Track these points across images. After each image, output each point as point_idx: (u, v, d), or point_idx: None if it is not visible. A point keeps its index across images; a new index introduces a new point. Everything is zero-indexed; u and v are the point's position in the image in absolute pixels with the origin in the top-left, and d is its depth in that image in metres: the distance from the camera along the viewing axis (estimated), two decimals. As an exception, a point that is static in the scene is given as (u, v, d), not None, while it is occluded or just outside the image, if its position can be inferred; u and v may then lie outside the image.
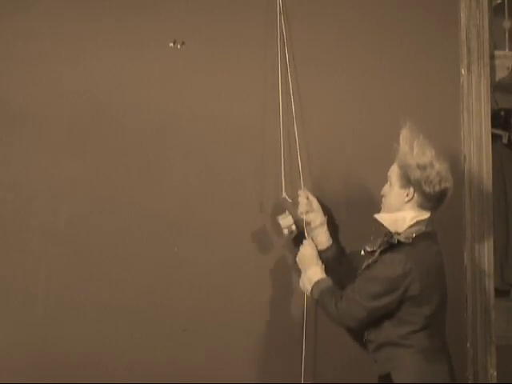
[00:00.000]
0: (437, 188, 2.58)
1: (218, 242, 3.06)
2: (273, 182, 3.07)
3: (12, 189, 2.97)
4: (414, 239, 2.58)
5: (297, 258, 2.89)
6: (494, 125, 3.46)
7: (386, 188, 2.70)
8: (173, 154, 3.05)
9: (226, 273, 3.05)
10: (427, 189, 2.58)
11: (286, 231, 2.96)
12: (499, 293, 3.72)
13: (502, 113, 4.11)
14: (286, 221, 2.95)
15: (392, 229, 2.65)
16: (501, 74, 3.46)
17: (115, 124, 3.02)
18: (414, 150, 2.59)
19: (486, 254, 3.24)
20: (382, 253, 2.61)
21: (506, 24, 3.72)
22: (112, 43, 3.02)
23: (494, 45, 3.46)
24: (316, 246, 2.90)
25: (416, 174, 2.57)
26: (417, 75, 3.17)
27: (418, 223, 2.62)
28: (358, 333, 2.79)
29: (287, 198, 3.02)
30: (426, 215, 2.63)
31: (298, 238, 2.96)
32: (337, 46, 3.12)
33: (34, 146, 2.98)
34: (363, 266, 2.69)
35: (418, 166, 2.57)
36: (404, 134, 2.62)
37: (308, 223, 2.94)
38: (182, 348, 3.03)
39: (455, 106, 3.22)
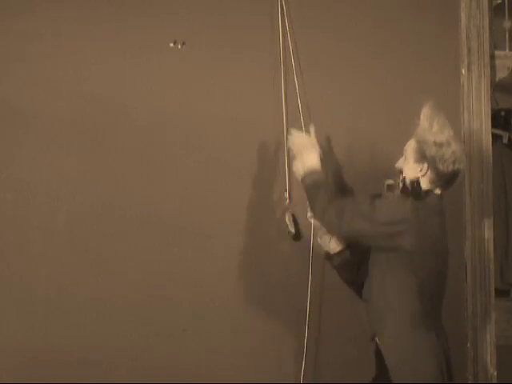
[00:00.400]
0: (450, 167, 2.58)
1: (219, 242, 3.06)
2: (274, 182, 3.07)
3: (12, 189, 2.97)
4: (426, 199, 2.58)
5: (289, 143, 2.78)
6: (494, 125, 3.46)
7: (402, 161, 2.69)
8: (173, 153, 3.05)
9: (226, 273, 3.05)
10: (441, 167, 2.57)
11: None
12: (499, 293, 3.72)
13: (502, 113, 4.11)
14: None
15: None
16: (501, 74, 3.47)
17: (115, 124, 3.02)
18: (433, 127, 2.59)
19: (485, 254, 3.24)
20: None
21: (506, 24, 3.72)
22: (112, 43, 3.02)
23: (494, 45, 3.46)
24: (329, 252, 2.81)
25: (432, 151, 2.57)
26: (417, 75, 3.17)
27: (430, 192, 2.62)
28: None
29: (288, 199, 3.01)
30: (437, 191, 2.63)
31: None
32: (337, 46, 3.12)
33: (34, 146, 2.98)
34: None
35: (435, 143, 2.57)
36: (425, 111, 2.62)
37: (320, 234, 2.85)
38: (182, 348, 3.03)
39: (455, 105, 3.22)
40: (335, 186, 2.79)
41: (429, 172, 2.60)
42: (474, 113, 3.22)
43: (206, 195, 3.05)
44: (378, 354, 2.62)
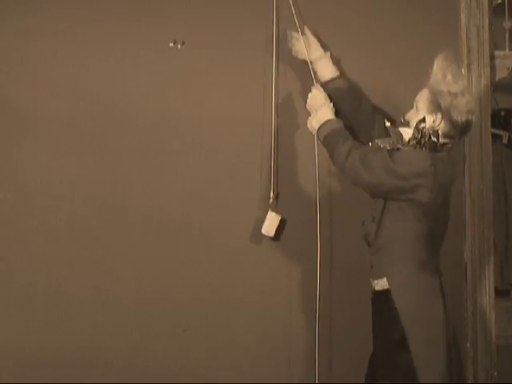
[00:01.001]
0: (464, 118, 2.58)
1: (219, 241, 3.06)
2: (275, 180, 3.07)
3: (12, 189, 2.97)
4: (442, 151, 2.58)
5: (307, 105, 2.85)
6: (493, 125, 3.46)
7: (412, 112, 2.69)
8: (173, 153, 3.05)
9: (226, 273, 3.05)
10: (455, 117, 2.57)
11: (264, 230, 2.99)
12: (499, 293, 3.72)
13: (502, 113, 4.11)
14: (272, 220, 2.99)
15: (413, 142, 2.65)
16: (501, 74, 3.47)
17: (115, 124, 3.02)
18: (446, 77, 2.58)
19: (485, 254, 3.24)
20: (410, 141, 2.61)
21: (506, 24, 3.73)
22: (112, 43, 3.02)
23: (494, 45, 3.46)
24: (323, 81, 2.89)
25: (446, 101, 2.57)
26: (417, 75, 3.15)
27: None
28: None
29: (271, 198, 3.02)
30: (447, 141, 2.64)
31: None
32: (337, 46, 3.11)
33: (34, 146, 2.98)
34: (388, 145, 2.65)
35: (450, 93, 2.56)
36: (439, 61, 2.62)
37: (310, 61, 2.93)
38: (182, 348, 3.03)
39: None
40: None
41: (443, 122, 2.60)
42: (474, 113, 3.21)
43: (206, 195, 3.05)
44: (375, 302, 2.66)
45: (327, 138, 2.69)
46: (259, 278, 3.07)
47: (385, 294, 2.62)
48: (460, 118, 2.58)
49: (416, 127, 2.64)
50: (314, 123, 2.76)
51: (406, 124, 2.71)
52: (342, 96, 2.89)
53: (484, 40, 3.24)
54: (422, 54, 3.16)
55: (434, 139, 2.59)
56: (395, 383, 2.56)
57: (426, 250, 2.61)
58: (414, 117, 2.68)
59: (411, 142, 2.63)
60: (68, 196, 2.99)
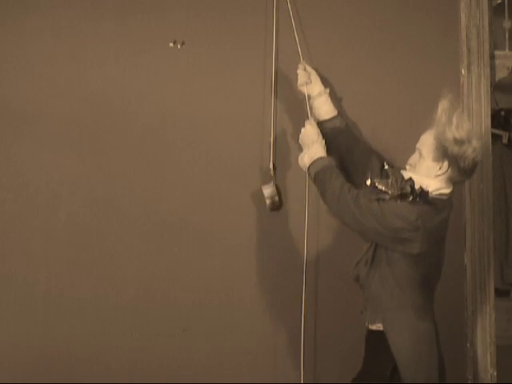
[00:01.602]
0: (471, 163, 2.52)
1: (218, 241, 3.06)
2: (275, 181, 3.07)
3: (12, 189, 2.97)
4: (435, 202, 2.53)
5: (299, 140, 2.80)
6: (493, 125, 3.46)
7: (416, 158, 2.60)
8: (173, 153, 3.05)
9: (226, 272, 3.05)
10: (462, 164, 2.51)
11: (268, 201, 2.99)
12: (499, 293, 3.72)
13: (502, 113, 4.12)
14: (269, 191, 2.99)
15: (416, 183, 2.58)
16: (501, 74, 3.46)
17: (115, 124, 3.02)
18: (452, 123, 2.50)
19: (486, 254, 3.24)
20: (400, 197, 2.53)
21: (506, 24, 3.72)
22: (112, 43, 3.02)
23: (494, 45, 3.46)
24: (319, 119, 2.86)
25: (453, 149, 2.49)
26: (417, 75, 3.17)
27: (440, 195, 2.57)
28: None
29: (272, 170, 3.02)
30: (449, 189, 2.58)
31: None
32: (337, 46, 3.12)
33: (34, 146, 2.98)
34: (375, 195, 2.57)
35: (456, 141, 2.48)
36: (443, 105, 2.54)
37: (308, 96, 2.90)
38: (182, 348, 3.03)
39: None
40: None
41: (449, 170, 2.54)
42: (474, 113, 3.21)
43: (207, 195, 3.05)
44: (370, 340, 2.65)
45: (318, 175, 2.64)
46: (259, 278, 3.07)
47: (380, 333, 2.60)
48: (467, 164, 2.51)
49: (406, 185, 2.57)
50: (305, 160, 2.70)
51: (409, 168, 2.63)
52: (339, 136, 2.84)
53: (484, 40, 3.24)
54: (422, 53, 3.17)
55: (423, 193, 2.54)
56: None
57: (421, 295, 2.58)
58: (418, 163, 2.59)
59: (401, 190, 2.55)
60: (68, 196, 2.99)
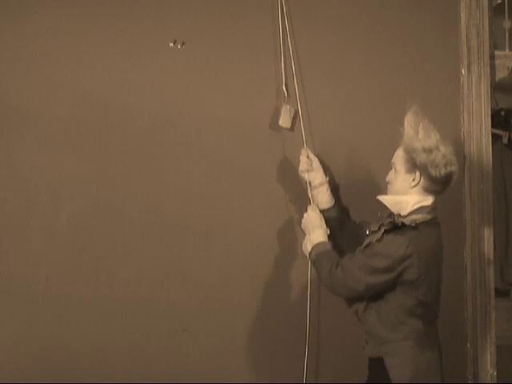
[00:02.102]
0: (443, 171, 2.56)
1: (218, 241, 3.06)
2: (274, 182, 3.07)
3: (12, 189, 2.97)
4: (418, 224, 2.56)
5: (302, 224, 2.87)
6: (493, 125, 3.46)
7: (391, 174, 2.67)
8: (173, 153, 3.05)
9: (226, 272, 3.05)
10: (433, 172, 2.55)
11: (281, 121, 3.02)
12: (499, 293, 3.72)
13: (502, 113, 4.12)
14: (289, 113, 3.02)
15: (395, 210, 2.63)
16: (501, 74, 3.47)
17: (115, 124, 3.02)
18: (419, 134, 2.57)
19: (486, 253, 3.24)
20: (385, 233, 2.57)
21: (506, 24, 3.73)
22: (112, 43, 3.02)
23: (494, 45, 3.46)
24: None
25: (422, 158, 2.55)
26: (417, 75, 3.17)
27: (421, 208, 2.60)
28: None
29: (285, 93, 3.04)
30: (430, 200, 2.61)
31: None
32: (337, 46, 3.13)
33: (35, 146, 2.98)
34: (364, 243, 2.64)
35: (424, 150, 2.55)
36: (409, 118, 2.61)
37: (309, 183, 2.94)
38: (182, 348, 3.03)
39: (455, 106, 3.22)
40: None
41: (422, 179, 2.58)
42: (474, 113, 3.22)
43: (206, 195, 3.05)
44: (373, 369, 2.66)
45: (315, 262, 2.71)
46: (259, 278, 3.07)
47: (379, 360, 2.62)
48: (438, 172, 2.55)
49: (386, 218, 2.63)
50: (308, 245, 2.77)
51: (388, 188, 2.70)
52: (336, 223, 2.91)
53: (484, 40, 3.24)
54: (422, 53, 3.17)
55: (407, 223, 2.55)
56: None
57: (421, 323, 2.59)
58: (394, 178, 2.65)
59: (385, 227, 2.59)
60: (68, 196, 2.99)
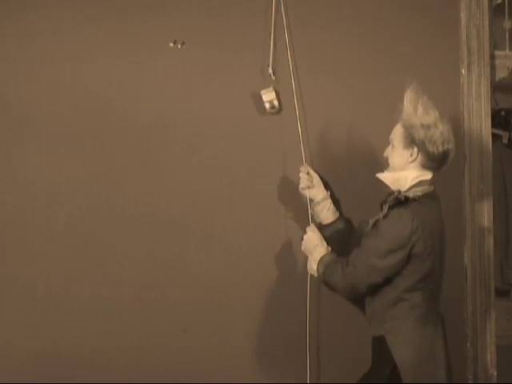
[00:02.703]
0: (440, 148, 2.59)
1: (218, 241, 3.06)
2: (274, 181, 3.07)
3: (12, 189, 2.97)
4: (420, 197, 2.58)
5: (302, 247, 2.85)
6: (493, 125, 3.46)
7: (389, 150, 2.70)
8: (173, 153, 3.05)
9: (226, 272, 3.05)
10: (431, 148, 2.58)
11: (267, 105, 3.01)
12: (499, 293, 3.72)
13: (502, 113, 4.12)
14: (268, 95, 3.01)
15: (394, 187, 2.64)
16: (501, 74, 3.47)
17: (115, 124, 3.02)
18: (418, 110, 2.61)
19: (486, 253, 3.24)
20: (389, 209, 2.58)
21: (506, 24, 3.73)
22: (112, 43, 3.02)
23: (494, 45, 3.46)
24: (321, 223, 2.92)
25: (420, 134, 2.58)
26: (417, 75, 3.15)
27: (420, 183, 2.62)
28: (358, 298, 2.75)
29: (272, 75, 3.04)
30: (428, 175, 2.63)
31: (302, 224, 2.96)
32: (337, 46, 3.12)
33: (34, 146, 2.98)
34: (370, 224, 2.65)
35: (422, 126, 2.58)
36: (408, 95, 2.64)
37: (311, 199, 2.95)
38: (182, 348, 3.03)
39: (455, 105, 3.22)
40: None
41: (419, 155, 2.61)
42: (474, 113, 3.22)
43: (206, 195, 3.05)
44: (376, 348, 2.66)
45: (325, 273, 2.68)
46: (259, 278, 3.07)
47: (380, 338, 2.63)
48: (436, 149, 2.58)
49: (395, 197, 2.62)
50: (312, 265, 2.76)
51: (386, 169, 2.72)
52: (341, 236, 2.92)
53: (484, 40, 3.24)
54: (422, 53, 3.17)
55: (410, 196, 2.58)
56: None
57: (423, 300, 2.60)
58: (391, 153, 2.68)
59: (388, 203, 2.60)
60: (68, 196, 2.99)
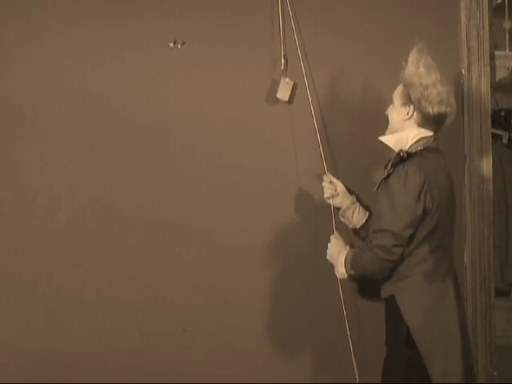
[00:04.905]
0: (436, 109, 2.62)
1: (218, 241, 3.06)
2: (274, 180, 3.08)
3: (12, 189, 2.97)
4: (422, 150, 2.61)
5: (327, 255, 2.86)
6: (493, 125, 3.46)
7: (390, 107, 2.75)
8: (173, 153, 3.05)
9: (226, 272, 3.05)
10: (426, 108, 2.62)
11: (279, 94, 3.03)
12: (499, 293, 3.72)
13: (502, 113, 4.12)
14: (287, 85, 3.03)
15: (397, 148, 2.67)
16: (501, 74, 3.47)
17: (115, 124, 3.02)
18: (419, 70, 2.65)
19: (486, 254, 3.24)
20: (393, 166, 2.61)
21: (506, 24, 3.73)
22: (112, 43, 3.02)
23: (494, 45, 3.46)
24: (355, 227, 2.94)
25: (417, 92, 2.62)
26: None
27: (421, 139, 2.65)
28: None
29: (283, 66, 3.04)
30: (428, 133, 2.66)
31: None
32: (338, 46, 3.12)
33: (35, 146, 2.98)
34: (376, 185, 2.67)
35: (421, 85, 2.62)
36: (412, 55, 2.68)
37: (338, 208, 2.96)
38: (182, 348, 3.03)
39: (455, 105, 3.21)
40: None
41: (415, 114, 2.65)
42: (474, 113, 3.22)
43: (206, 195, 3.05)
44: (388, 310, 2.68)
45: (354, 266, 2.68)
46: (259, 279, 3.07)
47: (391, 298, 2.64)
48: (431, 109, 2.62)
49: (398, 154, 2.65)
50: (340, 269, 2.77)
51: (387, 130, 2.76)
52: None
53: (484, 40, 3.24)
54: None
55: (412, 151, 2.61)
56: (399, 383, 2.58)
57: (430, 254, 2.59)
58: (390, 110, 2.74)
59: (393, 161, 2.64)
60: (68, 196, 2.99)
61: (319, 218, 3.04)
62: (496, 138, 3.96)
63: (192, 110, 3.05)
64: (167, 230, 3.03)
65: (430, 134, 2.66)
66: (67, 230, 2.99)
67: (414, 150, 2.61)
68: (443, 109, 2.63)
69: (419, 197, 2.54)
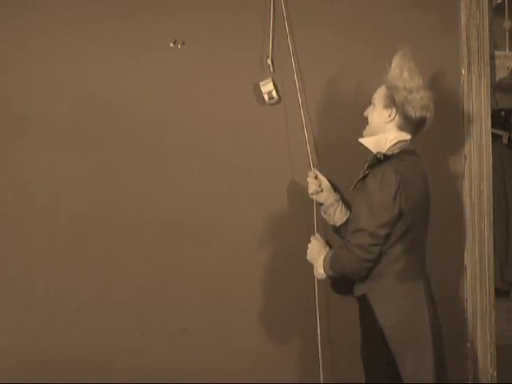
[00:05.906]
0: (418, 113, 2.66)
1: (218, 241, 3.06)
2: (273, 180, 3.07)
3: (12, 189, 2.97)
4: (399, 153, 2.65)
5: (307, 256, 2.90)
6: (494, 125, 3.46)
7: (370, 109, 2.77)
8: (173, 153, 3.05)
9: (226, 273, 3.06)
10: (409, 112, 2.65)
11: (266, 97, 3.02)
12: (499, 293, 3.72)
13: (502, 113, 4.12)
14: (267, 87, 3.02)
15: (375, 150, 2.70)
16: (501, 74, 3.47)
17: (116, 124, 3.02)
18: (403, 74, 2.69)
19: (486, 253, 3.24)
20: (369, 168, 2.64)
21: (506, 24, 3.73)
22: (112, 43, 3.02)
23: (494, 45, 3.46)
24: (335, 224, 2.95)
25: (401, 96, 2.66)
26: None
27: (399, 142, 2.68)
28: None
29: (271, 66, 3.05)
30: (407, 136, 2.70)
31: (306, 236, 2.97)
32: (337, 46, 3.12)
33: (35, 146, 2.98)
34: (352, 186, 2.70)
35: (405, 89, 2.66)
36: (396, 59, 2.72)
37: (321, 204, 2.97)
38: (182, 348, 3.03)
39: (455, 106, 3.22)
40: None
41: (397, 117, 2.68)
42: (474, 113, 3.22)
43: (206, 195, 3.05)
44: (362, 308, 2.70)
45: (332, 264, 2.71)
46: (259, 279, 3.07)
47: (363, 297, 2.68)
48: (414, 113, 2.65)
49: (374, 155, 2.67)
50: (319, 270, 2.79)
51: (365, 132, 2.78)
52: None
53: (484, 40, 3.24)
54: (422, 53, 3.16)
55: (388, 154, 2.64)
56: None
57: (402, 254, 2.62)
58: (371, 112, 2.75)
59: (369, 163, 2.66)
60: (68, 196, 2.99)
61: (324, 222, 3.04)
62: (496, 137, 3.96)
63: (192, 109, 3.05)
64: (167, 230, 3.03)
65: (408, 137, 2.69)
66: (67, 230, 2.99)
67: (390, 153, 2.65)
68: (424, 113, 2.67)
69: (395, 197, 2.56)
